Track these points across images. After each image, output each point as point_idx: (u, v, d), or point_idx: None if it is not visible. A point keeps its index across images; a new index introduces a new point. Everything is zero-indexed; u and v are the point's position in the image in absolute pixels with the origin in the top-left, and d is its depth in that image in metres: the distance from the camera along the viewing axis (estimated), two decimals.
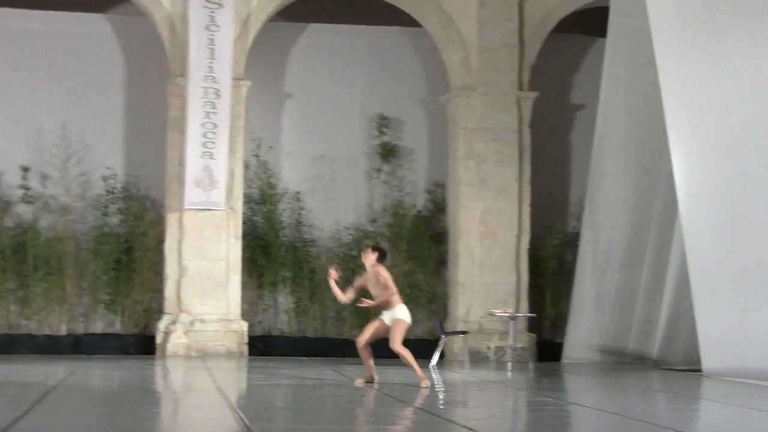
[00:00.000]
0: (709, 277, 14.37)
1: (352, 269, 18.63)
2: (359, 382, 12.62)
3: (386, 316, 12.51)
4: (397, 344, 12.34)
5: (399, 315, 12.44)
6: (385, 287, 12.39)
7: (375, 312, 13.10)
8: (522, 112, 18.20)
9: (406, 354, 12.41)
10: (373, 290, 12.55)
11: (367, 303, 12.66)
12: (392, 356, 12.59)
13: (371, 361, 12.61)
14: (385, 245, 18.64)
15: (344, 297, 12.58)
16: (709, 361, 14.52)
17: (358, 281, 12.72)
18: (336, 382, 13.21)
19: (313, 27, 19.18)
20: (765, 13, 13.28)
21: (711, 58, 14.03)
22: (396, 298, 12.46)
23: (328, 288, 18.34)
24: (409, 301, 18.59)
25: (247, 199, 18.32)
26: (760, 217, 13.41)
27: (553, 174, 19.31)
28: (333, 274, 12.60)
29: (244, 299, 17.85)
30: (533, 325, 18.32)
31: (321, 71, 19.14)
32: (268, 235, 18.38)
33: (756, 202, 13.43)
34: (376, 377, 12.61)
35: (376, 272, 12.50)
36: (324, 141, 19.01)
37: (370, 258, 12.60)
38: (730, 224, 13.99)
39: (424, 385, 12.28)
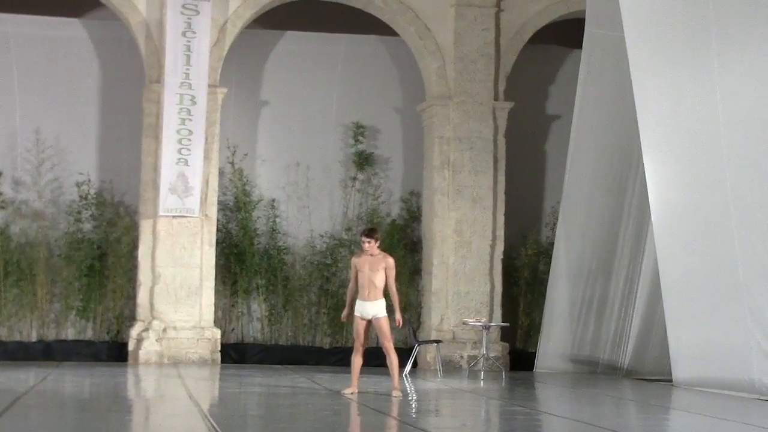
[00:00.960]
0: (681, 287, 14.46)
1: (326, 277, 18.66)
2: (348, 392, 12.39)
3: (368, 309, 12.15)
4: (390, 344, 12.15)
5: (383, 312, 12.17)
6: (387, 283, 12.08)
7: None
8: (497, 122, 18.26)
9: (395, 357, 12.23)
10: (369, 275, 12.09)
11: (348, 315, 12.33)
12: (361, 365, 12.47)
13: (358, 372, 12.39)
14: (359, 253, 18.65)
15: (352, 297, 12.33)
16: (679, 371, 14.61)
17: (352, 280, 12.31)
18: (309, 390, 13.19)
19: (290, 35, 19.18)
20: (740, 28, 13.38)
21: (685, 70, 14.13)
22: (382, 289, 12.18)
23: (302, 296, 18.54)
24: None
25: (222, 206, 18.28)
26: (733, 228, 13.51)
27: (527, 184, 19.38)
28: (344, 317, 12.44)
29: (218, 307, 17.80)
30: (506, 335, 18.36)
31: (297, 79, 19.14)
32: (243, 243, 18.34)
33: (728, 215, 13.52)
34: (356, 390, 12.48)
35: (386, 263, 12.11)
36: (300, 149, 19.01)
37: (374, 247, 12.18)
38: (702, 236, 14.08)
39: (395, 394, 12.25)
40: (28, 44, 18.19)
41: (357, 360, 12.37)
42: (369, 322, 12.27)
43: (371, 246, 12.23)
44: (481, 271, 17.99)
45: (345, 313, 12.44)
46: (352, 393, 12.35)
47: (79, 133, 18.30)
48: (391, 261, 12.28)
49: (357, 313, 12.27)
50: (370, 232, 12.37)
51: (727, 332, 13.68)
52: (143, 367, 16.47)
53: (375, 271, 12.17)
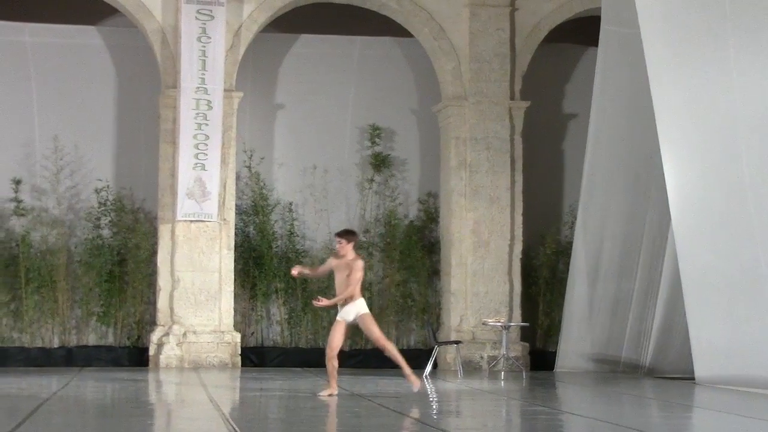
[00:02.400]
0: (702, 285, 14.39)
1: None
2: (325, 394, 12.34)
3: (348, 313, 12.18)
4: (382, 338, 12.19)
5: (364, 309, 12.21)
6: (351, 283, 12.06)
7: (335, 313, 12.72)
8: (514, 122, 18.23)
9: (392, 347, 12.27)
10: (341, 280, 12.16)
11: (326, 302, 12.26)
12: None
13: (336, 374, 12.33)
14: (378, 255, 18.68)
15: (313, 271, 12.55)
16: (701, 369, 14.54)
17: (324, 267, 12.49)
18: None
19: (305, 38, 19.21)
20: (756, 23, 13.32)
21: (701, 66, 14.08)
22: (358, 290, 12.20)
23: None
24: (401, 311, 18.72)
25: (240, 211, 18.32)
26: (753, 225, 13.44)
27: (545, 183, 19.33)
28: (296, 271, 12.42)
29: (237, 310, 17.84)
30: (526, 335, 18.33)
31: (313, 82, 19.16)
32: (261, 246, 18.37)
33: (748, 211, 13.46)
34: (336, 392, 12.41)
35: (350, 266, 12.15)
36: (316, 151, 19.03)
37: (348, 249, 12.23)
38: (723, 232, 14.02)
39: (415, 388, 12.23)
40: (45, 52, 18.29)
41: (333, 363, 12.25)
42: (347, 327, 12.25)
43: (341, 247, 12.26)
44: (499, 271, 17.96)
45: (299, 270, 12.42)
46: (329, 395, 12.29)
47: (97, 139, 18.39)
48: (359, 263, 12.22)
49: (339, 317, 12.28)
50: (342, 233, 12.46)
51: (749, 329, 13.61)
52: (164, 371, 16.52)
53: (348, 276, 12.17)
